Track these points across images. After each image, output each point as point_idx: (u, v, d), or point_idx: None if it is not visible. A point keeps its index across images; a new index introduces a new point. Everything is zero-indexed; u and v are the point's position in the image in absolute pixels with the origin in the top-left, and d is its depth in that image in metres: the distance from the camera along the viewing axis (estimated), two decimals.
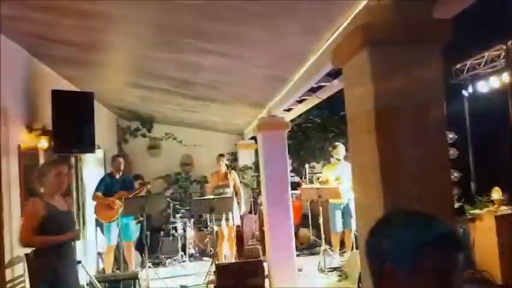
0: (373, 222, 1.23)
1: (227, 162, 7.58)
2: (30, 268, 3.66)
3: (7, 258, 3.91)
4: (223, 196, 6.85)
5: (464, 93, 7.31)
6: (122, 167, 6.59)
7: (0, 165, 3.92)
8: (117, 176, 6.53)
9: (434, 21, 2.14)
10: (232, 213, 6.94)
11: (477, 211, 5.95)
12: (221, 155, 7.39)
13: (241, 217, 7.68)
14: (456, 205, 5.83)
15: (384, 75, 2.07)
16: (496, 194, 5.90)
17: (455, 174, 6.34)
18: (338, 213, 6.83)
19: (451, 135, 6.31)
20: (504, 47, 5.96)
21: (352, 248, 6.74)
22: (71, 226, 3.76)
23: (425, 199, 1.99)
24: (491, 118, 6.62)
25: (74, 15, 3.43)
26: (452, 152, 6.30)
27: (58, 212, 3.60)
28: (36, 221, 3.43)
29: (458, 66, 7.15)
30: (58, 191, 3.69)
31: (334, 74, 3.85)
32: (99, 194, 6.31)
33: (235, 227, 7.19)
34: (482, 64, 6.67)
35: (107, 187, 6.38)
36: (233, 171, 7.58)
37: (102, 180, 6.51)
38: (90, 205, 6.49)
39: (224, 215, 6.84)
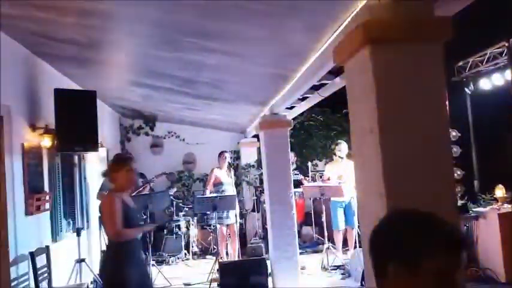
0: (376, 221, 1.23)
1: (230, 160, 7.57)
2: (108, 262, 3.69)
3: (12, 257, 3.94)
4: (226, 194, 6.86)
5: (467, 90, 7.29)
6: None
7: (4, 164, 3.96)
8: None
9: (435, 19, 2.14)
10: (235, 211, 6.94)
11: (480, 209, 5.95)
12: (224, 152, 7.37)
13: (242, 215, 7.68)
14: (459, 203, 5.82)
15: (386, 74, 2.07)
16: (500, 191, 5.89)
17: (458, 172, 6.33)
18: (340, 211, 6.84)
19: (453, 133, 6.30)
20: (507, 44, 5.93)
21: (355, 245, 6.74)
22: (139, 221, 3.90)
23: (428, 198, 1.99)
24: (494, 116, 6.60)
25: (76, 14, 3.44)
26: (455, 150, 6.29)
27: (130, 207, 3.68)
28: (118, 213, 3.48)
29: (460, 63, 7.12)
30: (129, 187, 3.82)
31: (336, 72, 3.85)
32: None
33: (237, 225, 7.20)
34: (485, 61, 6.65)
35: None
36: (230, 171, 7.57)
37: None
38: (93, 204, 6.51)
39: (225, 213, 6.83)
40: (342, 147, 7.00)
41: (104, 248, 6.76)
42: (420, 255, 1.09)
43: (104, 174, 3.87)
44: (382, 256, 1.16)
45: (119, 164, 3.69)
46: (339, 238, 6.95)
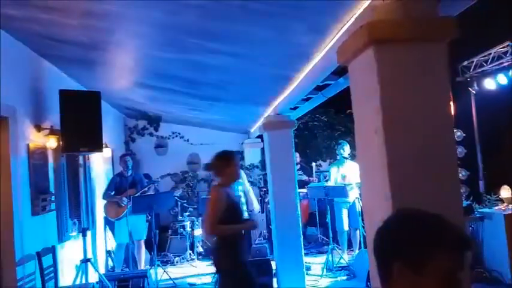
0: (381, 222, 1.23)
1: None
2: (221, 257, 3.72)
3: (18, 257, 3.96)
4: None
5: (471, 91, 7.26)
6: (130, 165, 6.64)
7: (10, 164, 3.98)
8: (126, 175, 6.59)
9: (439, 19, 2.12)
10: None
11: (486, 210, 5.92)
12: None
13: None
14: (464, 204, 5.80)
15: (390, 74, 2.06)
16: (505, 192, 5.86)
17: (463, 173, 6.31)
18: (344, 212, 6.83)
19: (458, 134, 6.27)
20: (511, 44, 5.90)
21: (360, 246, 6.73)
22: (242, 215, 3.97)
23: (433, 199, 1.98)
24: (499, 115, 6.58)
25: (81, 15, 3.45)
26: (460, 151, 6.28)
27: (235, 201, 3.74)
28: (220, 209, 3.54)
29: (464, 63, 7.09)
30: (235, 180, 3.88)
31: (339, 73, 3.84)
32: (110, 193, 6.40)
33: None
34: (489, 61, 6.61)
35: (117, 186, 6.46)
36: (241, 170, 7.55)
37: (112, 180, 6.60)
38: (99, 204, 6.55)
39: None
40: (345, 148, 6.99)
41: (110, 247, 6.81)
42: (426, 256, 1.09)
43: (208, 169, 3.87)
44: (387, 256, 1.16)
45: (228, 158, 3.76)
46: (343, 239, 6.94)
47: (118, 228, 6.41)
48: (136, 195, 6.33)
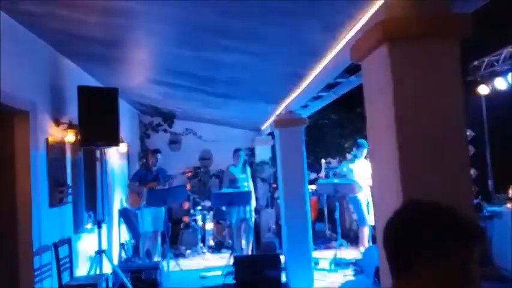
0: (392, 213, 1.27)
1: (245, 157, 7.67)
2: None
3: (35, 247, 4.07)
4: (242, 190, 6.95)
5: (482, 90, 7.24)
6: (157, 162, 7.06)
7: (30, 157, 4.10)
8: (152, 169, 6.95)
9: (453, 16, 2.15)
10: (250, 206, 7.03)
11: (495, 208, 5.93)
12: (238, 149, 7.47)
13: (256, 211, 7.77)
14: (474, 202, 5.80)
15: (403, 71, 2.09)
16: None
17: (472, 172, 6.32)
18: (364, 207, 6.81)
19: (468, 133, 6.28)
20: None
21: (368, 242, 6.77)
22: None
23: (445, 196, 2.00)
24: (509, 115, 6.57)
25: (100, 12, 3.53)
26: (470, 149, 6.28)
27: None
28: None
29: (475, 63, 7.08)
30: None
31: (350, 71, 3.88)
32: (134, 183, 6.83)
33: (253, 220, 7.28)
34: (500, 61, 6.61)
35: (141, 178, 6.83)
36: (248, 167, 7.63)
37: (137, 171, 7.10)
38: (115, 197, 6.74)
39: (242, 208, 6.92)
40: (363, 150, 6.94)
41: (123, 240, 6.97)
42: (441, 246, 1.10)
43: None
44: (399, 246, 1.17)
45: None
46: (365, 234, 6.87)
47: (142, 217, 6.64)
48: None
